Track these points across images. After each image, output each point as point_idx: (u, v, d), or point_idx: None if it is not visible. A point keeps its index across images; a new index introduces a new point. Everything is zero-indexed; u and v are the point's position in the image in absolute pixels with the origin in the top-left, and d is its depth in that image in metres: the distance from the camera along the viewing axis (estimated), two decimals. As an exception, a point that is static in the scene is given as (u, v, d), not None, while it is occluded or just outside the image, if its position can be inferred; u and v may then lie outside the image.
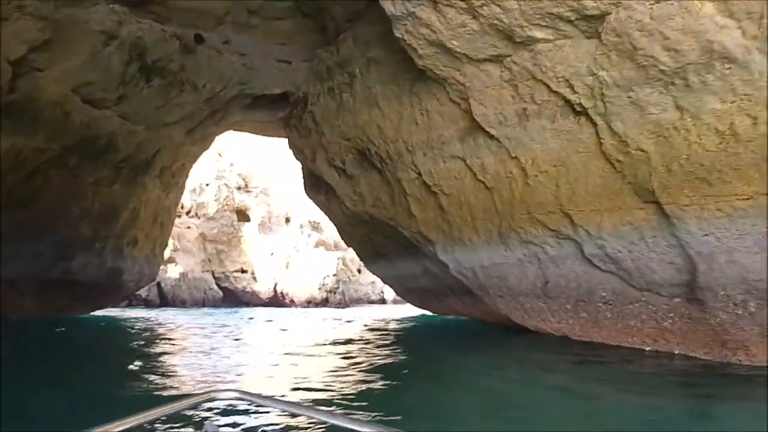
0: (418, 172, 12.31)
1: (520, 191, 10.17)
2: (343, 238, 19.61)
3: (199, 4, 15.08)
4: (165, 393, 6.70)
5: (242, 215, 41.23)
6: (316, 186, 17.28)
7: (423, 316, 20.66)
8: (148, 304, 34.03)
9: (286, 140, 22.89)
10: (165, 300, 35.25)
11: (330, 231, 42.84)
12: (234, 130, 21.47)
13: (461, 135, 11.03)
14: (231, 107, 17.84)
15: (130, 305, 31.95)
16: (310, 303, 38.49)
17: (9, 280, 14.01)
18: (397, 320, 20.78)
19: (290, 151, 18.17)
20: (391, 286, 19.77)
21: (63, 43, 11.05)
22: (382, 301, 43.42)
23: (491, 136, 10.26)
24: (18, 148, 11.31)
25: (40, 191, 12.95)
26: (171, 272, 35.79)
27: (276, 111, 19.28)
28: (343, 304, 39.23)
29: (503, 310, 11.73)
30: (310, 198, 18.51)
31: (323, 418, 2.00)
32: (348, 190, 15.34)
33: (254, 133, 21.91)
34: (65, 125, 12.20)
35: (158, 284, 34.49)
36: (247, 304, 38.31)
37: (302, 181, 18.62)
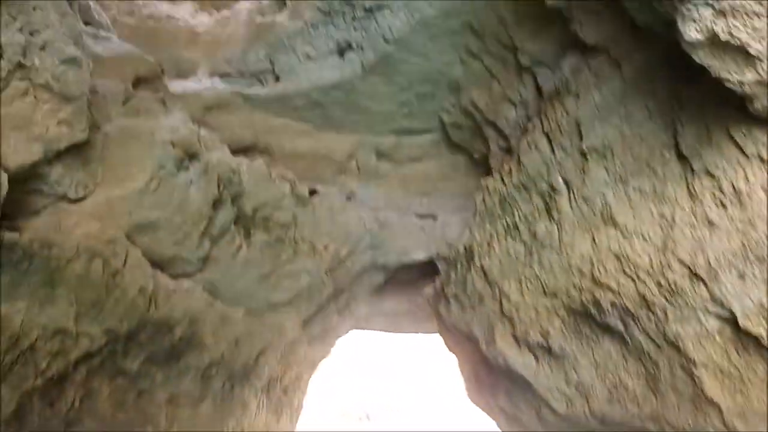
0: (725, 315, 6.64)
1: None
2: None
3: (314, 146, 11.32)
4: None
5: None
6: (489, 386, 11.51)
7: None
8: None
9: (426, 337, 18.07)
10: None
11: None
12: (359, 328, 16.59)
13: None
14: (358, 288, 13.15)
15: None
16: None
17: None
18: None
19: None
20: None
21: (108, 155, 6.88)
22: None
23: None
24: (25, 327, 6.16)
25: (78, 416, 7.88)
26: None
27: (417, 291, 14.37)
28: None
29: None
30: (479, 405, 12.65)
31: None
32: (555, 380, 9.58)
33: (386, 331, 16.90)
34: (112, 295, 7.29)
35: None
36: None
37: (464, 384, 12.99)
